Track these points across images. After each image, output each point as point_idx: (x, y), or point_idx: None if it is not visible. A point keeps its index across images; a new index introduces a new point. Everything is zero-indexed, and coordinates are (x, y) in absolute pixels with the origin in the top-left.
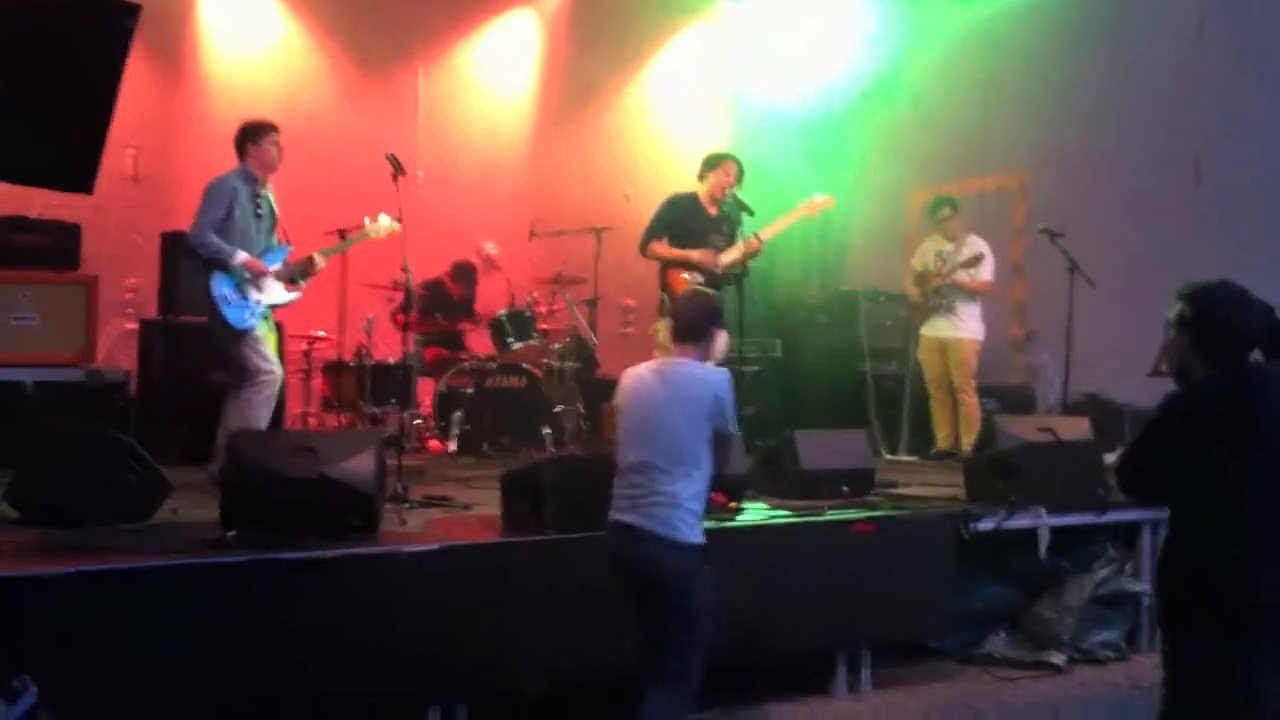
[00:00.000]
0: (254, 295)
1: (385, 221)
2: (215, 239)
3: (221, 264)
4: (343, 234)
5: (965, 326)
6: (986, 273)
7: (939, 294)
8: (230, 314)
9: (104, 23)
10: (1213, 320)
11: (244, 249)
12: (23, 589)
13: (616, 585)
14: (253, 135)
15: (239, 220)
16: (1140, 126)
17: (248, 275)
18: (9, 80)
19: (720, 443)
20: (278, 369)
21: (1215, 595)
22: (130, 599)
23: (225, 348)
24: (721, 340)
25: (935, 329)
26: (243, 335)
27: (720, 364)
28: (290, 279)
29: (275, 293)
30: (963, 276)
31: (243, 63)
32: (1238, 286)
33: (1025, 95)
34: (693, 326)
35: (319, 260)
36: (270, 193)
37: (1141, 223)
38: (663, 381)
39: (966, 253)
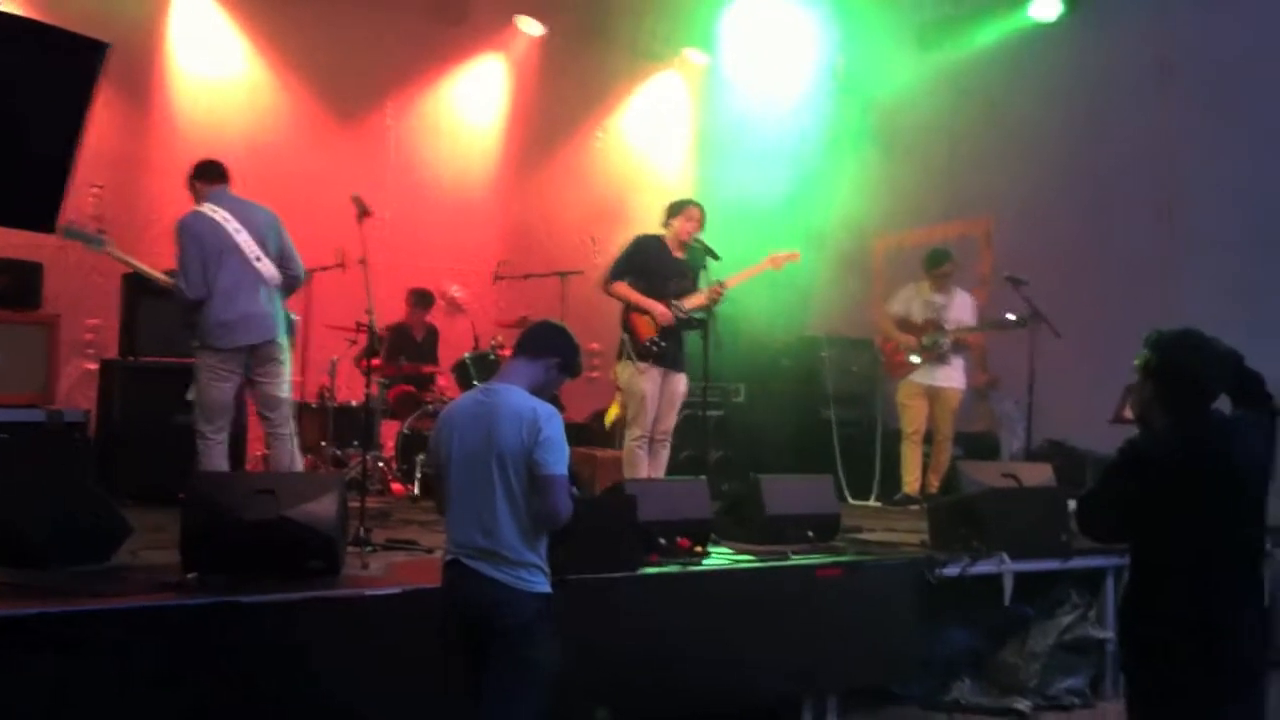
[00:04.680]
0: None
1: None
2: None
3: None
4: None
5: (957, 377)
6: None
7: (936, 344)
8: None
9: (71, 60)
10: (1175, 369)
11: None
12: None
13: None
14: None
15: None
16: (1107, 172)
17: None
18: None
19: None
20: None
21: (1173, 636)
22: (86, 641)
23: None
24: (556, 383)
25: (929, 377)
26: None
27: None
28: None
29: None
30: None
31: (210, 103)
32: (1202, 336)
33: (991, 140)
34: (533, 340)
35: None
36: None
37: (1106, 269)
38: (482, 411)
39: (959, 306)
